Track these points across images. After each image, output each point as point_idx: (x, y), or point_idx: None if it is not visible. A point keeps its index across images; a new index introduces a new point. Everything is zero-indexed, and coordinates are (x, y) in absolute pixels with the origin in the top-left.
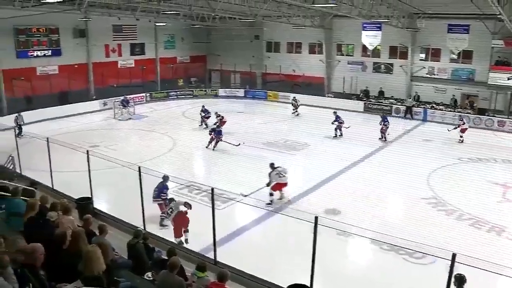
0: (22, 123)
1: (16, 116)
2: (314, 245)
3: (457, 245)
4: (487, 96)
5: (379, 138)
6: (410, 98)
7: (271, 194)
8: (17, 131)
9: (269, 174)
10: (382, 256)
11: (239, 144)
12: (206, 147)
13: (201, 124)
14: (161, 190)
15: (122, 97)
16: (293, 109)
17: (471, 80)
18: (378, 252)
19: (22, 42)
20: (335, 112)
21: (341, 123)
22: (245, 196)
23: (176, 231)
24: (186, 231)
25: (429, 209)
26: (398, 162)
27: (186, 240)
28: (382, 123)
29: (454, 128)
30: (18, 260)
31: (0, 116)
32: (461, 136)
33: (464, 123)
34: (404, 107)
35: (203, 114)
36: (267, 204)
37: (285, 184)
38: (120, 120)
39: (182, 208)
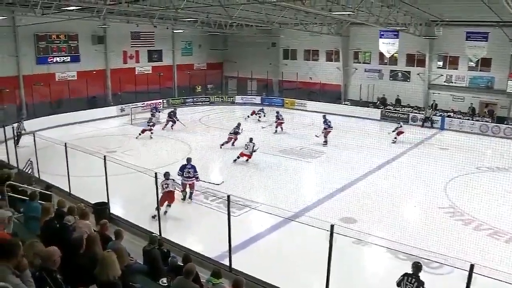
0: (24, 131)
1: (18, 123)
2: (329, 253)
3: (475, 255)
4: (506, 104)
5: (323, 140)
6: (430, 109)
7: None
8: (16, 139)
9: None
10: (398, 265)
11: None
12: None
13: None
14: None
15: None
16: (259, 119)
17: (490, 88)
18: (394, 261)
19: (42, 49)
20: (324, 116)
21: (329, 127)
22: (218, 184)
23: (162, 202)
24: (169, 206)
25: (446, 219)
26: (415, 170)
27: (165, 212)
28: (325, 124)
29: (393, 131)
30: (35, 263)
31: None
32: (395, 138)
33: (401, 127)
34: (422, 115)
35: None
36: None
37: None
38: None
39: (173, 188)
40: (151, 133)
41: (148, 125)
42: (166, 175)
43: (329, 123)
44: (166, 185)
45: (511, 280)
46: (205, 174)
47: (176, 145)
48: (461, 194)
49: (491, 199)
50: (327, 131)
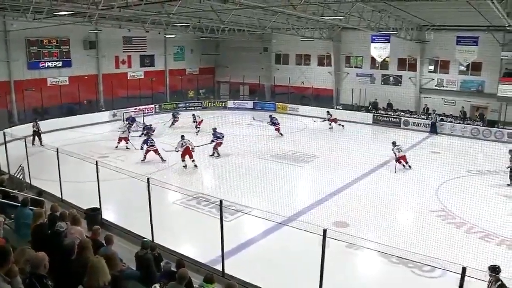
0: (40, 130)
1: (34, 123)
2: (322, 257)
3: (467, 258)
4: (497, 108)
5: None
6: (434, 113)
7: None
8: (36, 138)
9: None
10: (391, 269)
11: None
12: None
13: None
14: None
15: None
16: (196, 126)
17: (481, 92)
18: (387, 264)
19: (33, 54)
20: (270, 116)
21: (275, 123)
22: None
23: (183, 155)
24: (193, 160)
25: (438, 222)
26: (407, 174)
27: (185, 166)
28: (272, 124)
29: (323, 121)
30: (26, 269)
31: (11, 126)
32: (330, 124)
33: (331, 116)
34: (428, 120)
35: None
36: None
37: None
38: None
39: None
40: (127, 143)
41: (123, 133)
42: (182, 137)
43: (275, 121)
44: (184, 143)
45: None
46: (198, 179)
47: (168, 151)
48: (452, 197)
49: (482, 202)
50: (278, 128)
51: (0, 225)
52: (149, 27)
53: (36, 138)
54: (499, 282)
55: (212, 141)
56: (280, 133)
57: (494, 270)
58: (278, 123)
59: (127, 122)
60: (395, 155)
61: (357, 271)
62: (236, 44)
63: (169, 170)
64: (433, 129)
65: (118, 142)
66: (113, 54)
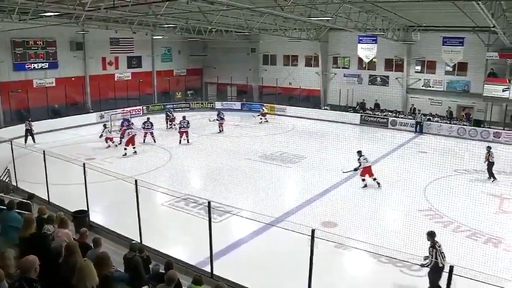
0: (33, 129)
1: (27, 122)
2: (311, 258)
3: (454, 257)
4: (483, 107)
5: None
6: (419, 113)
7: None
8: (28, 137)
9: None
10: (380, 268)
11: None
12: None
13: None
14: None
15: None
16: (169, 124)
17: (466, 92)
18: (376, 264)
19: (19, 55)
20: (217, 109)
21: (222, 119)
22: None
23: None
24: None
25: (426, 221)
26: (394, 174)
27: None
28: (219, 117)
29: (258, 115)
30: (12, 273)
31: None
32: (261, 119)
33: (264, 110)
34: (412, 120)
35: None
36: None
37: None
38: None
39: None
40: (113, 142)
41: (110, 133)
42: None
43: (222, 116)
44: (130, 132)
45: (491, 281)
46: (186, 181)
47: (156, 152)
48: (440, 197)
49: (469, 201)
50: (221, 122)
51: None
52: (136, 28)
53: (29, 137)
54: (432, 245)
55: (218, 116)
56: (221, 130)
57: (429, 234)
58: (223, 119)
59: (125, 124)
60: (359, 165)
61: (346, 271)
62: (223, 45)
63: (157, 172)
64: (419, 129)
65: (107, 142)
66: (100, 55)
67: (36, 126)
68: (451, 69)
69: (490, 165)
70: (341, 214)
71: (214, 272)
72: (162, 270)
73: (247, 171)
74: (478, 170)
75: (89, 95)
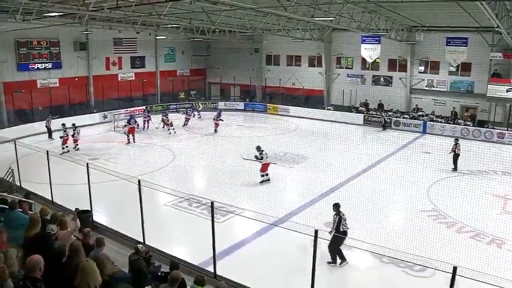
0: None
1: (47, 120)
2: (314, 258)
3: (458, 257)
4: (486, 108)
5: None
6: (384, 112)
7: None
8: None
9: None
10: (382, 269)
11: None
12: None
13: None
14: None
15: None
16: (164, 127)
17: (470, 92)
18: (378, 265)
19: (23, 55)
20: (191, 106)
21: (189, 115)
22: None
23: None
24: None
25: (429, 222)
26: (398, 174)
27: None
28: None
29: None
30: (17, 273)
31: (0, 128)
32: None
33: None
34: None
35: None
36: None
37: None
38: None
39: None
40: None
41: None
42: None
43: (190, 112)
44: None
45: (494, 282)
46: (189, 181)
47: (159, 152)
48: (443, 197)
49: (472, 202)
50: (188, 118)
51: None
52: (140, 28)
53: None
54: (338, 216)
55: (186, 113)
56: (185, 123)
57: (335, 205)
58: (190, 116)
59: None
60: (261, 159)
61: (349, 271)
62: (227, 45)
63: (160, 172)
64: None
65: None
66: (104, 55)
67: (40, 126)
68: (454, 70)
69: (456, 156)
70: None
71: (217, 272)
72: (165, 270)
73: (250, 171)
74: (481, 170)
75: (92, 95)
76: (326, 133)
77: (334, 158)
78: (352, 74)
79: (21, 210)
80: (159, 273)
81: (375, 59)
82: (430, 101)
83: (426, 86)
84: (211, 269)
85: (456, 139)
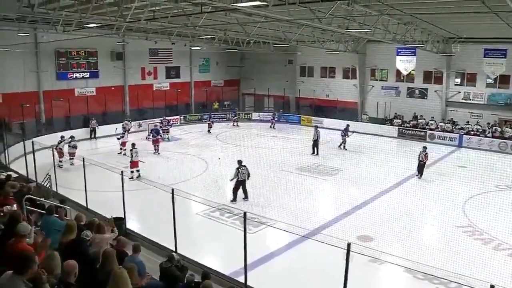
0: (97, 126)
1: (91, 121)
2: (346, 272)
3: (495, 275)
4: None
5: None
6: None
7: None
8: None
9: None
10: (416, 285)
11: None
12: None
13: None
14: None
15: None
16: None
17: (509, 105)
18: (412, 280)
19: (62, 65)
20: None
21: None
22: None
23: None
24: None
25: (465, 238)
26: (432, 188)
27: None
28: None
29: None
30: (52, 277)
31: (39, 135)
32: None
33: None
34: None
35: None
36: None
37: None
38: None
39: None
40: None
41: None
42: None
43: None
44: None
45: None
46: (221, 191)
47: (192, 161)
48: (480, 213)
49: (511, 219)
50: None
51: (30, 233)
52: (175, 39)
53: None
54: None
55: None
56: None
57: (238, 162)
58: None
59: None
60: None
61: (381, 286)
62: (261, 56)
63: (193, 181)
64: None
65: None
66: (139, 65)
67: (76, 133)
68: (492, 82)
69: (423, 164)
70: (378, 228)
71: (248, 283)
72: (197, 280)
73: (283, 183)
74: None
75: (128, 104)
76: (360, 146)
77: (368, 170)
78: (386, 86)
79: (57, 215)
80: (192, 283)
81: (410, 71)
82: (466, 114)
83: (462, 99)
84: (241, 279)
85: (425, 147)
